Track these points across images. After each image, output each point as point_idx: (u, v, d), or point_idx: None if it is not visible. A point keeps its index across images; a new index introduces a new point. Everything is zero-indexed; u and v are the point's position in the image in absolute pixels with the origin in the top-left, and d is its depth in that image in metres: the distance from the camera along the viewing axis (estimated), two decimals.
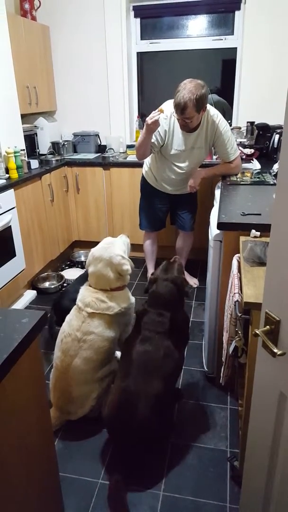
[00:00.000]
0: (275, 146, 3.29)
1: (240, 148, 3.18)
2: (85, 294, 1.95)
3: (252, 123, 3.56)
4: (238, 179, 2.68)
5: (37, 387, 1.20)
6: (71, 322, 1.92)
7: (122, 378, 1.72)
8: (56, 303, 2.51)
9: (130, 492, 1.67)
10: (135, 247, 2.93)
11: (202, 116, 2.54)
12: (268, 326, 0.98)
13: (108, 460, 1.82)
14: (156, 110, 2.46)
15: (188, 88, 2.35)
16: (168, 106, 2.59)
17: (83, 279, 2.57)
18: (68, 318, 1.97)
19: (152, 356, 1.71)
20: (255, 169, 2.87)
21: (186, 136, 2.63)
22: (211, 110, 2.61)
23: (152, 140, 2.59)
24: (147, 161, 2.94)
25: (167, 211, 3.15)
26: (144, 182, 3.05)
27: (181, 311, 1.90)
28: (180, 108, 2.38)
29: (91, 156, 3.90)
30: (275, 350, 0.95)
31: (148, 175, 2.98)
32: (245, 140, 3.49)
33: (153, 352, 1.72)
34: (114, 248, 1.94)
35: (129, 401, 1.65)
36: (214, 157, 3.35)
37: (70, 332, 1.89)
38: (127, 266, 1.93)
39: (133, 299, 2.06)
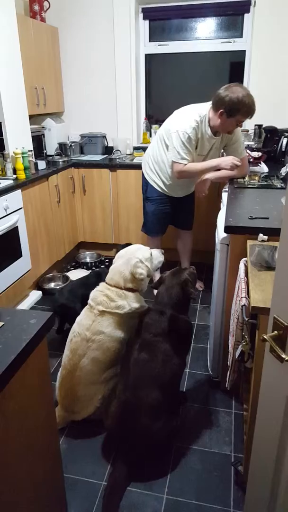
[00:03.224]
0: (283, 149, 3.28)
1: (248, 151, 3.17)
2: (98, 292, 1.97)
3: (260, 126, 3.54)
4: (246, 182, 2.67)
5: (44, 387, 1.21)
6: (82, 321, 1.94)
7: (122, 389, 1.74)
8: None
9: (134, 494, 1.67)
10: None
11: None
12: (276, 331, 0.98)
13: (112, 462, 1.81)
14: None
15: (245, 90, 2.45)
16: (194, 112, 2.56)
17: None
18: (78, 318, 1.99)
19: (151, 365, 1.72)
20: (263, 173, 2.86)
21: (210, 140, 2.63)
22: None
23: (191, 150, 2.61)
24: (155, 169, 2.86)
25: (173, 214, 3.14)
26: (151, 189, 2.96)
27: (184, 314, 1.90)
28: (253, 112, 2.49)
29: (98, 157, 3.91)
30: (283, 356, 0.94)
31: (157, 182, 2.90)
32: (252, 143, 3.48)
33: (151, 361, 1.72)
34: (137, 253, 1.98)
35: (130, 414, 1.68)
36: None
37: (79, 331, 1.91)
38: (142, 270, 1.93)
39: (145, 305, 2.05)
